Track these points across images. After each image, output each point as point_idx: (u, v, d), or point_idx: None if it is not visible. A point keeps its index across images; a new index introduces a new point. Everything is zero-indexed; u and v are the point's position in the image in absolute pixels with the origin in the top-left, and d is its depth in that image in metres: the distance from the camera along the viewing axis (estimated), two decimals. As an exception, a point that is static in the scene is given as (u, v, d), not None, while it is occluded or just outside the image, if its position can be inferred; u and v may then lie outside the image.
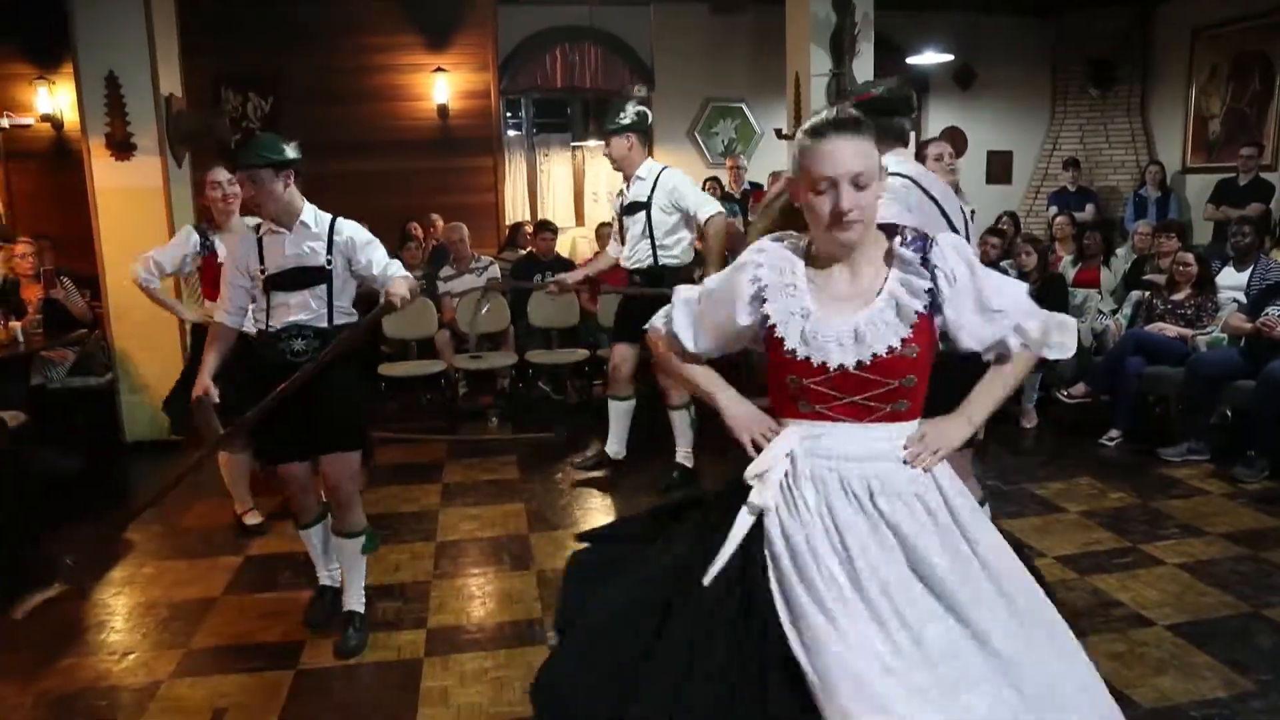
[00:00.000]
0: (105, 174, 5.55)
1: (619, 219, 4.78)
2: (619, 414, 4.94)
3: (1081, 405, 5.67)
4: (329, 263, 3.05)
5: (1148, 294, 5.84)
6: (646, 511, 2.06)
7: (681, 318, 1.92)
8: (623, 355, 4.80)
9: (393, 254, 3.24)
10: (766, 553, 1.68)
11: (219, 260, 4.01)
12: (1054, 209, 8.52)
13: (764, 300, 1.77)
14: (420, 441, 5.80)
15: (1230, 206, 7.65)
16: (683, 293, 1.95)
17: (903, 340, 1.68)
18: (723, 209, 4.65)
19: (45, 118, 7.68)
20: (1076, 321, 1.90)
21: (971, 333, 1.75)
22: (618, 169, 4.71)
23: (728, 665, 1.60)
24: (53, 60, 7.44)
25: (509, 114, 9.40)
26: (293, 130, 4.59)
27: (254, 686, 2.99)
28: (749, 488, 1.73)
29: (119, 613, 3.59)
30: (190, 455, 3.52)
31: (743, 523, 1.72)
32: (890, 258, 1.74)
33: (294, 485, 3.23)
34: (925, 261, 1.71)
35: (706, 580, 1.68)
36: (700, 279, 2.33)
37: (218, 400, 3.07)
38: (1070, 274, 6.65)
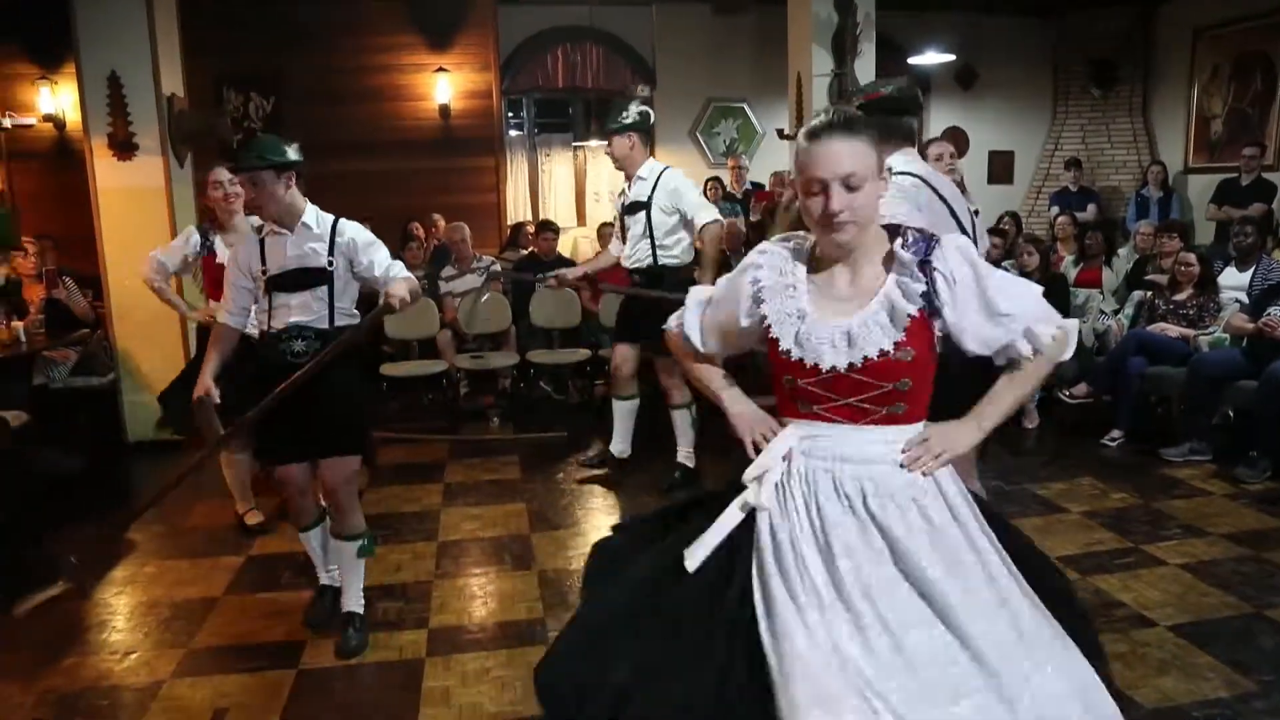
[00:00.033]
0: (107, 174, 5.56)
1: (620, 218, 4.79)
2: (622, 414, 4.95)
3: (1083, 405, 5.67)
4: (330, 264, 3.05)
5: (1150, 294, 5.83)
6: (654, 512, 2.07)
7: (692, 318, 1.96)
8: (624, 355, 4.81)
9: (395, 254, 3.24)
10: (754, 549, 1.70)
11: (217, 260, 4.02)
12: (1056, 209, 8.51)
13: (762, 301, 1.78)
14: (422, 441, 5.80)
15: (1232, 206, 7.64)
16: (696, 294, 1.98)
17: (895, 344, 1.67)
18: (720, 216, 4.66)
19: (47, 118, 7.68)
20: (1078, 322, 1.88)
21: (976, 336, 1.72)
22: (619, 168, 4.71)
23: (707, 658, 1.61)
24: (55, 60, 7.44)
25: (510, 114, 9.41)
26: (294, 130, 4.61)
27: (255, 686, 2.99)
28: (747, 489, 1.75)
29: (121, 612, 3.59)
30: (192, 455, 3.53)
31: (732, 514, 1.74)
32: (891, 259, 1.73)
33: (291, 488, 3.22)
34: (926, 263, 1.69)
35: (690, 565, 1.71)
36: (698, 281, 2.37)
37: (218, 401, 3.06)
38: (1072, 274, 6.65)
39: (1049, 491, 4.62)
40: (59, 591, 3.70)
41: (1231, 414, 5.21)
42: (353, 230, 3.10)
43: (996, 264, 2.19)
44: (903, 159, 2.91)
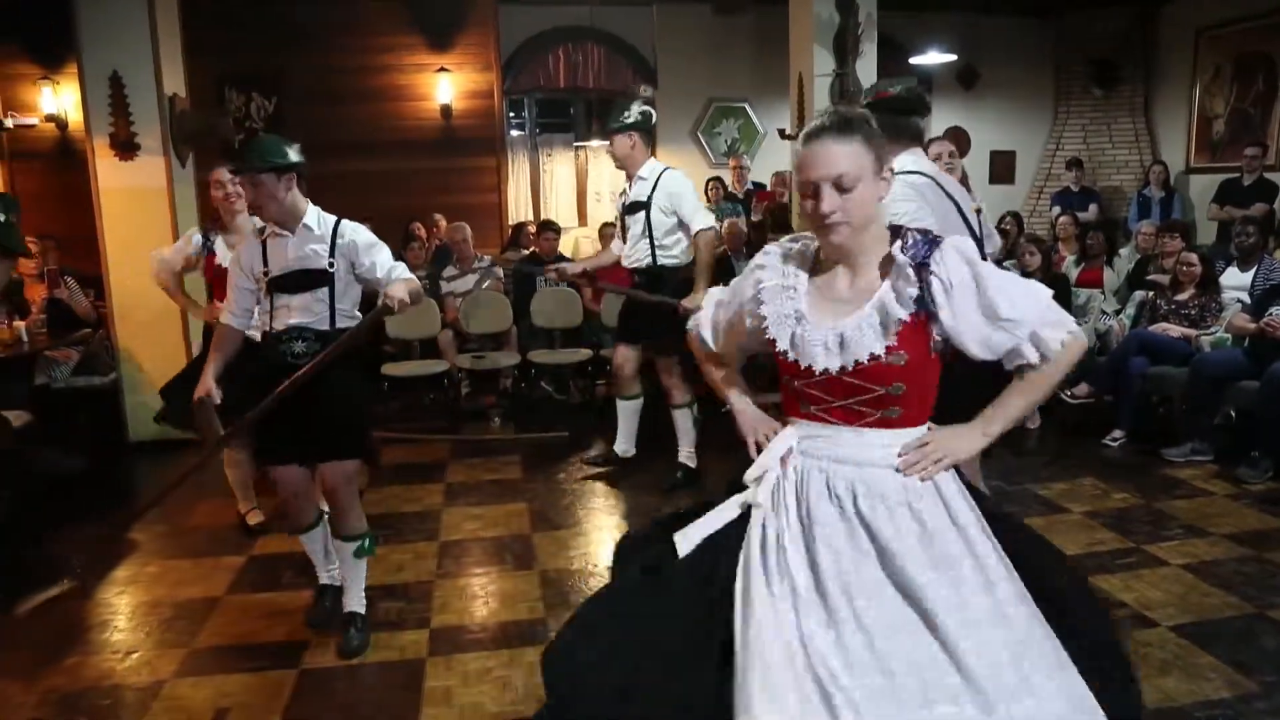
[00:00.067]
0: (109, 174, 5.56)
1: (620, 218, 4.79)
2: (626, 413, 4.96)
3: (1085, 405, 5.67)
4: (331, 265, 3.04)
5: (1151, 294, 5.83)
6: (667, 515, 2.08)
7: (705, 318, 2.00)
8: (624, 356, 4.82)
9: (397, 255, 3.23)
10: (744, 544, 1.71)
11: (217, 260, 4.02)
12: (1057, 209, 8.51)
13: (762, 302, 1.80)
14: (423, 441, 5.80)
15: (1234, 206, 7.63)
16: (713, 294, 2.01)
17: (887, 348, 1.65)
18: (714, 224, 4.66)
19: (49, 118, 7.68)
20: (1080, 322, 1.86)
21: (978, 341, 1.68)
22: (620, 167, 4.72)
23: (707, 657, 1.62)
24: (57, 60, 7.44)
25: (512, 114, 9.41)
26: (296, 130, 4.61)
27: (257, 686, 2.99)
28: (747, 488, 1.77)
29: (122, 612, 3.59)
30: (194, 455, 3.53)
31: (729, 508, 1.76)
32: (890, 262, 1.72)
33: (287, 490, 3.20)
34: (924, 266, 1.66)
35: (681, 549, 1.74)
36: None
37: (219, 402, 3.06)
38: (1073, 274, 6.65)
39: (1050, 492, 4.61)
40: (61, 591, 3.70)
41: (1233, 414, 5.20)
42: (354, 231, 3.09)
43: (998, 264, 2.19)
44: (911, 158, 2.93)
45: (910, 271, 1.67)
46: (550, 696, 1.76)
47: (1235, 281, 5.65)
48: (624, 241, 4.77)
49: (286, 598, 3.62)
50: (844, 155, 1.64)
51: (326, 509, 3.54)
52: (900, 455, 1.70)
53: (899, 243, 1.71)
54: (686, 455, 4.81)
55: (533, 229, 7.95)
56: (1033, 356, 1.70)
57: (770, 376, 1.94)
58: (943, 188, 2.94)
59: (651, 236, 4.58)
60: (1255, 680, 2.85)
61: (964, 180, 3.69)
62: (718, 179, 8.64)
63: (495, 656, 3.14)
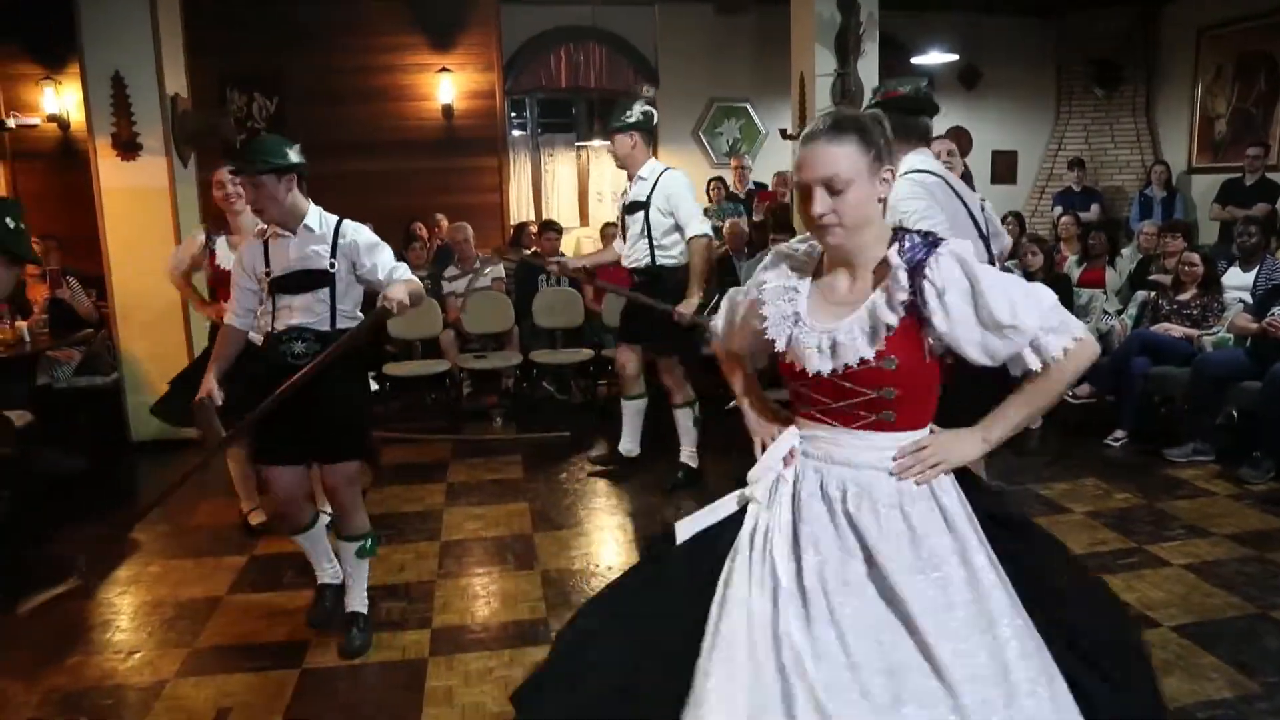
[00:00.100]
0: (111, 174, 5.56)
1: (621, 217, 4.80)
2: (630, 413, 4.97)
3: (1086, 405, 5.67)
4: (332, 265, 3.03)
5: (1153, 294, 5.83)
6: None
7: (722, 317, 2.02)
8: (626, 356, 4.82)
9: (398, 254, 3.23)
10: (736, 540, 1.73)
11: (217, 261, 4.03)
12: (1059, 209, 8.52)
13: (763, 303, 1.81)
14: (424, 441, 5.80)
15: (1236, 206, 7.63)
16: (730, 294, 2.03)
17: (877, 353, 1.64)
18: (709, 231, 4.65)
19: (51, 118, 7.69)
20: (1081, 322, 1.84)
21: (976, 347, 1.64)
22: (621, 167, 4.72)
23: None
24: (58, 60, 7.45)
25: (513, 114, 9.41)
26: (297, 130, 4.61)
27: (259, 686, 2.99)
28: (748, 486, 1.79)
29: (124, 612, 3.59)
30: (195, 455, 3.53)
31: (727, 502, 1.77)
32: (888, 265, 1.69)
33: (279, 492, 3.18)
34: (918, 269, 1.64)
35: (679, 537, 1.76)
36: None
37: (220, 403, 3.05)
38: (1075, 274, 6.65)
39: (1052, 492, 4.61)
40: (64, 590, 3.71)
41: (1235, 414, 5.20)
42: (355, 232, 3.08)
43: (1004, 264, 2.19)
44: (920, 158, 2.94)
45: (903, 275, 1.64)
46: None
47: (1237, 281, 5.65)
48: (624, 241, 4.78)
49: (288, 597, 3.63)
50: (836, 157, 1.64)
51: (323, 509, 3.55)
52: (896, 459, 1.69)
53: (896, 245, 1.68)
54: (688, 455, 4.81)
55: (534, 229, 7.95)
56: (1035, 363, 1.65)
57: (771, 375, 1.95)
58: (952, 187, 2.95)
59: (650, 237, 4.58)
60: (1257, 681, 2.85)
61: (967, 178, 3.69)
62: (719, 179, 8.64)
63: (497, 656, 3.14)
